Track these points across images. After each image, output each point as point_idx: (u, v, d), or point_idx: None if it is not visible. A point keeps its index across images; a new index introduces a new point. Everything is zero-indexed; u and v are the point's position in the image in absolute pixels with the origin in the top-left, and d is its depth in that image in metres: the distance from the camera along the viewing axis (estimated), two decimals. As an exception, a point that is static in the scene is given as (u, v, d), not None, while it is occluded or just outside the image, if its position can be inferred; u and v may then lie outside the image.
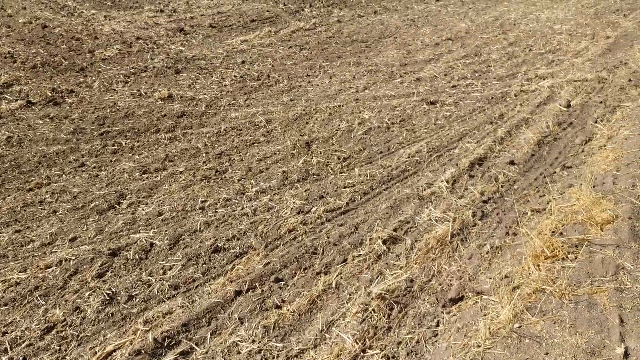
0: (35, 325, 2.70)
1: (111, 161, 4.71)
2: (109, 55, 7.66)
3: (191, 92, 6.45)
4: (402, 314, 2.66)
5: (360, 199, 3.88)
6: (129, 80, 6.85)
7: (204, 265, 3.15)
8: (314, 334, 2.56)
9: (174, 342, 2.54)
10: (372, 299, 2.72)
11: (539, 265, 2.70)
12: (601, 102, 5.60)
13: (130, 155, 4.84)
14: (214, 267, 3.13)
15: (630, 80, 6.21)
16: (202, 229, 3.54)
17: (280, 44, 8.85)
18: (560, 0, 12.32)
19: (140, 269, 3.14)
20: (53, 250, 3.36)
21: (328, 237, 3.37)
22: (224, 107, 6.03)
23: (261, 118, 5.58)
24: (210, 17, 10.36)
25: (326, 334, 2.55)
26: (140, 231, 3.53)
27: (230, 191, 4.05)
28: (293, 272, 3.07)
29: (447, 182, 3.99)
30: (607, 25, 9.40)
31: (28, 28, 8.64)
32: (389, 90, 6.44)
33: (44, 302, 2.87)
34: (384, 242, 3.27)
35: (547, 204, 3.55)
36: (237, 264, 3.15)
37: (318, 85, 6.81)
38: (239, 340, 2.54)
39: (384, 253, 3.19)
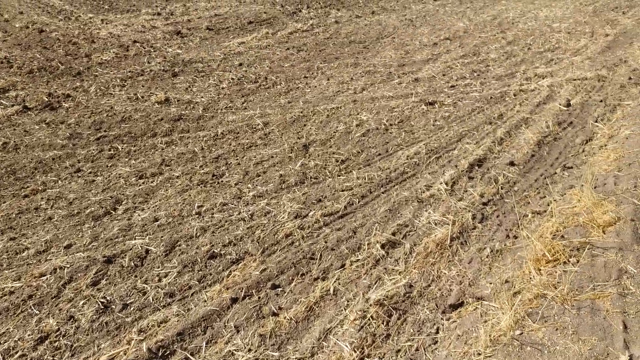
0: (29, 335, 2.66)
1: (107, 166, 4.67)
2: (105, 59, 7.62)
3: (188, 96, 6.41)
4: (401, 321, 2.61)
5: (359, 202, 3.83)
6: (125, 84, 6.81)
7: (200, 272, 3.10)
8: (311, 343, 2.51)
9: (168, 352, 2.50)
10: (371, 305, 2.68)
11: (540, 270, 2.65)
12: (601, 101, 5.55)
13: (126, 160, 4.80)
14: (210, 274, 3.09)
15: (630, 78, 6.15)
16: (198, 234, 3.50)
17: (278, 46, 8.81)
18: (559, -1, 12.26)
19: (136, 276, 3.09)
20: (48, 258, 3.32)
21: (326, 242, 3.33)
22: (221, 110, 5.99)
23: (258, 121, 5.54)
24: (208, 19, 10.32)
25: (323, 342, 2.50)
26: (136, 237, 3.49)
27: (227, 195, 4.01)
28: (290, 278, 3.02)
29: (446, 184, 3.94)
30: (606, 23, 9.34)
31: (25, 33, 8.62)
32: (387, 91, 6.39)
33: (37, 312, 2.83)
34: (383, 246, 3.22)
35: (548, 205, 3.50)
36: (234, 270, 3.10)
37: (316, 87, 6.77)
38: (234, 350, 2.49)
39: (383, 258, 3.14)
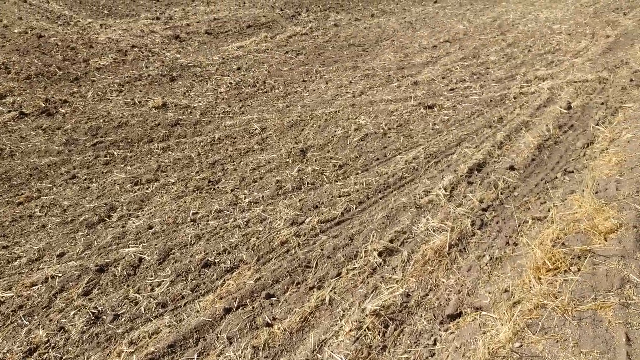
0: (18, 347, 2.60)
1: (103, 172, 4.62)
2: (103, 64, 7.60)
3: (186, 100, 6.37)
4: (397, 332, 2.55)
5: (356, 208, 3.78)
6: (123, 89, 6.78)
7: (194, 281, 3.05)
8: (305, 355, 2.45)
9: (159, 365, 2.44)
10: (367, 315, 2.61)
11: (540, 279, 2.58)
12: (602, 104, 5.48)
13: (122, 166, 4.76)
14: (204, 283, 3.03)
15: (631, 80, 6.08)
16: (192, 242, 3.44)
17: (277, 50, 8.77)
18: (559, 0, 12.21)
19: (128, 285, 3.04)
20: (40, 267, 3.27)
21: (322, 250, 3.27)
22: (219, 115, 5.94)
23: (256, 125, 5.49)
24: (207, 23, 10.31)
25: (318, 355, 2.44)
26: (130, 245, 3.44)
27: (222, 202, 3.96)
28: (285, 287, 2.96)
29: (445, 189, 3.88)
30: (606, 24, 9.28)
31: (23, 38, 8.62)
32: (386, 94, 6.34)
33: (27, 322, 2.78)
34: (380, 254, 3.16)
35: (549, 211, 3.43)
36: (228, 279, 3.05)
37: (314, 90, 6.72)
38: (227, 362, 2.43)
39: (380, 266, 3.08)
